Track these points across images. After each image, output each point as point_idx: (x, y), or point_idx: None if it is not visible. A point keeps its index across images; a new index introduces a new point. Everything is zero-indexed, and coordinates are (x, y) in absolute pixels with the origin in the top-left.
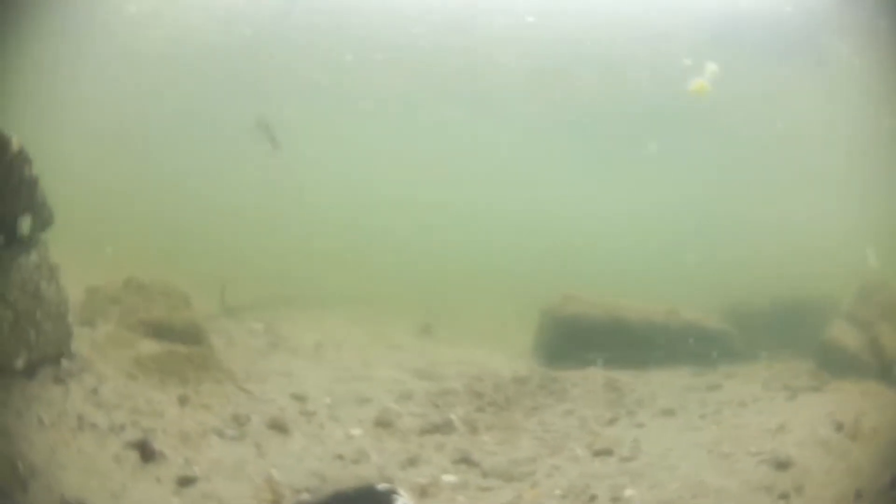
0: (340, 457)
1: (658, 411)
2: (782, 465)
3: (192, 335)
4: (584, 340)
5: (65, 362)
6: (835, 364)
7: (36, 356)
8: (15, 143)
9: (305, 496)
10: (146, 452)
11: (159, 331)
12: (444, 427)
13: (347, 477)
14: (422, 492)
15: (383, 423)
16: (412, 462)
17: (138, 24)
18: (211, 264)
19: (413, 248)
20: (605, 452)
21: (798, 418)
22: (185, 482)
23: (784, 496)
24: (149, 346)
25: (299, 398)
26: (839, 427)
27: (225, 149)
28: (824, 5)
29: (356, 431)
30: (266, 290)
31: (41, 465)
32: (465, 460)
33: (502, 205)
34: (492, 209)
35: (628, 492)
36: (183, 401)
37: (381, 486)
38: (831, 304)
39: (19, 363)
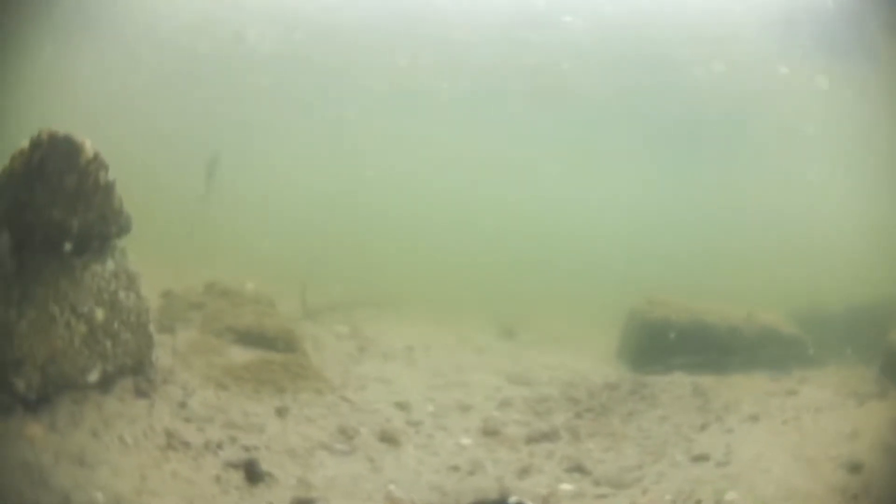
0: (456, 468)
1: (745, 416)
2: (855, 468)
3: (285, 341)
4: (670, 345)
5: (147, 374)
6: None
7: (112, 368)
8: (88, 147)
9: None
10: (253, 473)
11: (249, 337)
12: (551, 435)
13: (467, 489)
14: (543, 502)
15: (490, 432)
16: (526, 471)
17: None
18: (288, 266)
19: (492, 249)
20: (702, 458)
21: (867, 424)
22: None
23: (855, 497)
24: (239, 354)
25: (403, 407)
26: None
27: (309, 149)
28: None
29: (466, 441)
30: (344, 292)
31: (129, 494)
32: (578, 468)
33: (579, 205)
34: (569, 209)
35: (730, 495)
36: (282, 413)
37: (512, 500)
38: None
39: (93, 376)
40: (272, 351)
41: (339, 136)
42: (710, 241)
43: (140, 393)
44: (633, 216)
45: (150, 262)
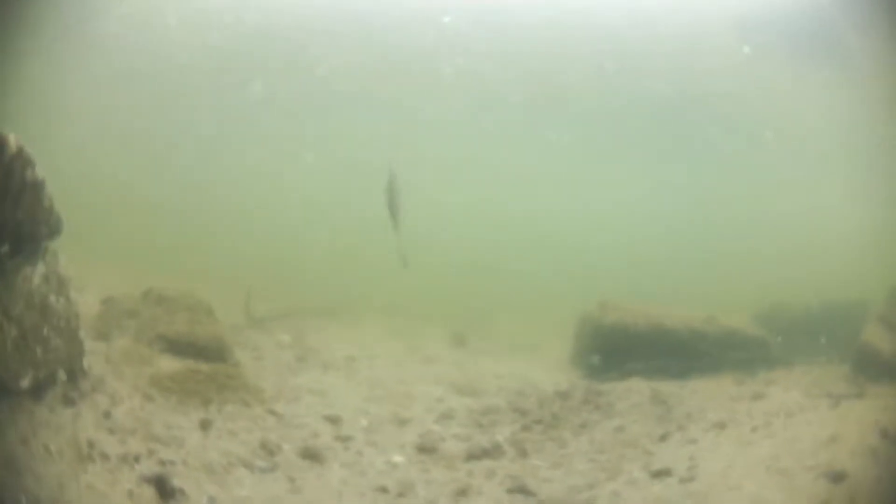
0: (384, 489)
1: (710, 425)
2: (838, 477)
3: (215, 351)
4: (626, 350)
5: (78, 382)
6: (871, 368)
7: (43, 374)
8: (12, 142)
9: None
10: (164, 490)
11: (179, 346)
12: (493, 451)
13: None
14: None
15: (427, 449)
16: (463, 493)
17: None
18: (235, 272)
19: (443, 254)
20: (663, 473)
21: (846, 427)
22: None
23: None
24: (168, 364)
25: (333, 420)
26: (885, 434)
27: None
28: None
29: (398, 458)
30: (295, 300)
31: (47, 501)
32: (522, 489)
33: (533, 209)
34: (522, 213)
35: None
36: (205, 426)
37: None
38: (865, 306)
39: (25, 383)
40: (201, 360)
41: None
42: (680, 244)
43: (68, 401)
44: (600, 220)
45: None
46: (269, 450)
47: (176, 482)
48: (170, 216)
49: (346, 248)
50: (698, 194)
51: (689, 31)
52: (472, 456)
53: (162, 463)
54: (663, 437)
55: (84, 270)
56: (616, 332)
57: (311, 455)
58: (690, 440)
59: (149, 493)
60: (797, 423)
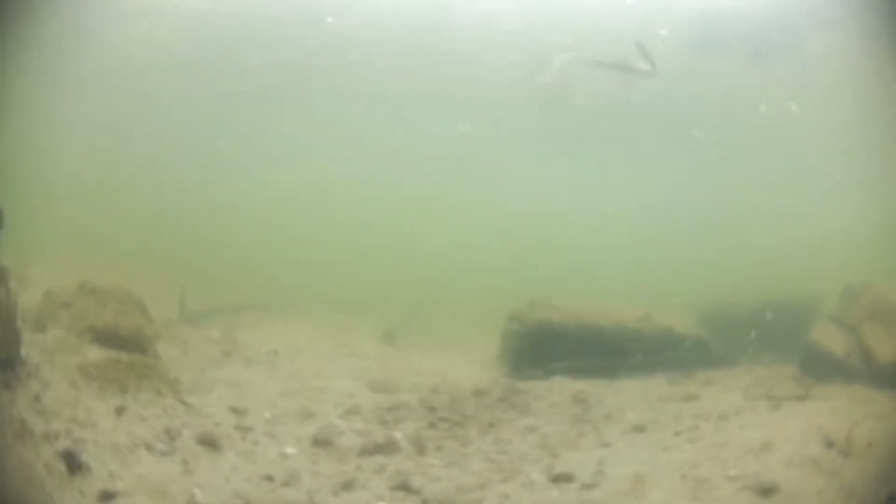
0: (270, 478)
1: (628, 427)
2: (767, 490)
3: (136, 343)
4: (552, 348)
5: (16, 368)
6: (820, 369)
7: None
8: None
9: None
10: (72, 463)
11: (105, 337)
12: (387, 447)
13: (273, 501)
14: None
15: (322, 442)
16: (347, 486)
17: None
18: (175, 269)
19: (379, 250)
20: (564, 478)
21: (784, 433)
22: (106, 497)
23: None
24: (94, 353)
25: (238, 412)
26: (830, 443)
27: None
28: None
29: (290, 450)
30: (233, 296)
31: None
32: (405, 486)
33: (470, 204)
34: (459, 208)
35: None
36: (120, 411)
37: None
38: (817, 305)
39: None
40: (123, 351)
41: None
42: (611, 239)
43: (7, 386)
44: (532, 213)
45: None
46: (170, 435)
47: (84, 458)
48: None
49: (288, 244)
50: (651, 191)
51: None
52: (365, 451)
53: (75, 441)
54: (576, 440)
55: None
56: (542, 330)
57: (208, 442)
58: (604, 443)
59: (61, 466)
60: (727, 427)
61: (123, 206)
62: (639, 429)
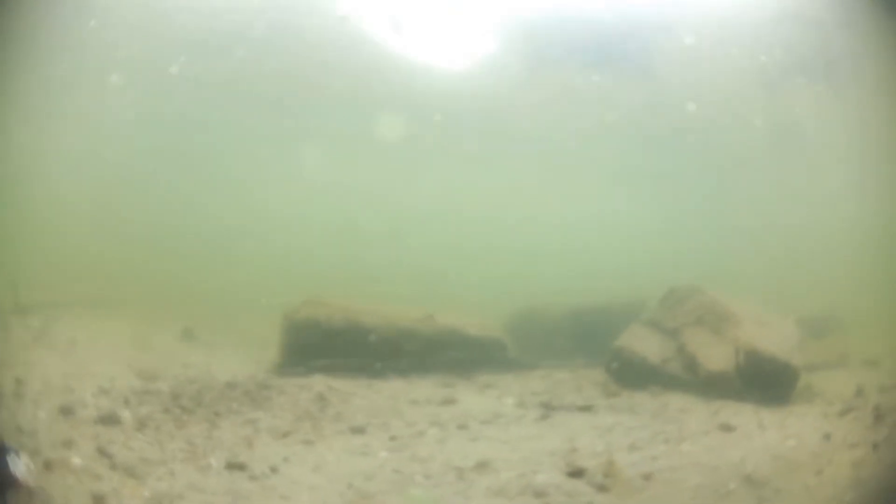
0: (20, 430)
1: (345, 428)
2: None
3: None
4: (318, 346)
5: None
6: (629, 375)
7: None
8: None
9: None
10: None
11: None
12: (108, 419)
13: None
14: (46, 465)
15: (65, 410)
16: (67, 444)
17: None
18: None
19: (183, 249)
20: (237, 467)
21: (516, 453)
22: None
23: None
24: None
25: (20, 381)
26: (576, 472)
27: None
28: None
29: (41, 413)
30: (70, 290)
31: None
32: (101, 451)
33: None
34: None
35: None
36: None
37: (7, 445)
38: (639, 310)
39: None
40: None
41: None
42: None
43: None
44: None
45: None
46: None
47: None
48: None
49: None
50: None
51: None
52: (94, 421)
53: None
54: (284, 435)
55: None
56: (308, 327)
57: None
58: (306, 441)
59: None
60: (458, 437)
61: None
62: (356, 430)
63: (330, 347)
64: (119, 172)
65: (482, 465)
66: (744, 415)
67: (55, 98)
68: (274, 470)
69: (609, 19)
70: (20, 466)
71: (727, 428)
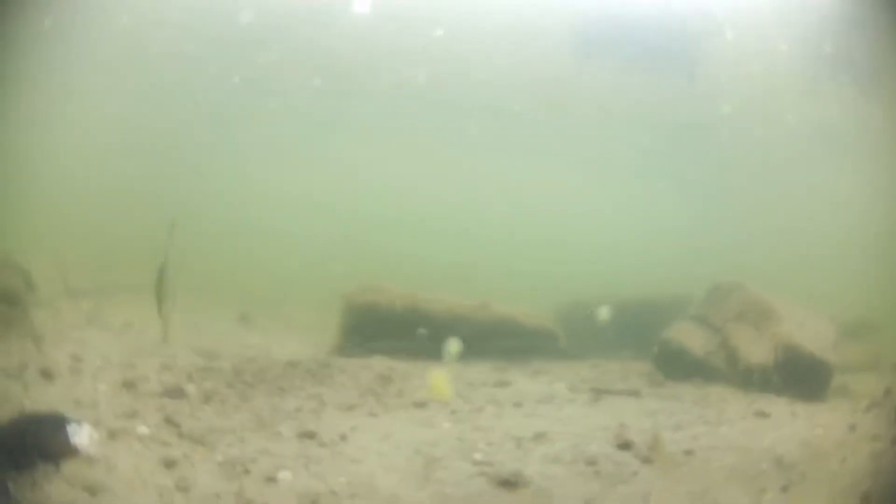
0: (79, 403)
1: (408, 403)
2: (505, 482)
3: (8, 298)
4: (378, 329)
5: None
6: (674, 366)
7: None
8: None
9: None
10: None
11: None
12: (174, 392)
13: (71, 416)
14: (111, 434)
15: (128, 384)
16: (131, 415)
17: None
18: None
19: (238, 236)
20: (307, 436)
21: (571, 426)
22: None
23: None
24: None
25: (76, 358)
26: (624, 444)
27: None
28: None
29: (102, 387)
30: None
31: None
32: (170, 421)
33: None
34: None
35: (283, 473)
36: None
37: (67, 416)
38: (684, 304)
39: None
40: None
41: None
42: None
43: None
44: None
45: None
46: (21, 366)
47: None
48: None
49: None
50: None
51: None
52: (158, 394)
53: None
54: (349, 408)
55: None
56: (368, 312)
57: (46, 374)
58: (371, 413)
59: None
60: (514, 415)
61: None
62: (418, 405)
63: (389, 331)
64: (175, 160)
65: (539, 436)
66: (779, 405)
67: (115, 89)
68: (343, 438)
69: (655, 15)
70: (83, 435)
71: (762, 415)
